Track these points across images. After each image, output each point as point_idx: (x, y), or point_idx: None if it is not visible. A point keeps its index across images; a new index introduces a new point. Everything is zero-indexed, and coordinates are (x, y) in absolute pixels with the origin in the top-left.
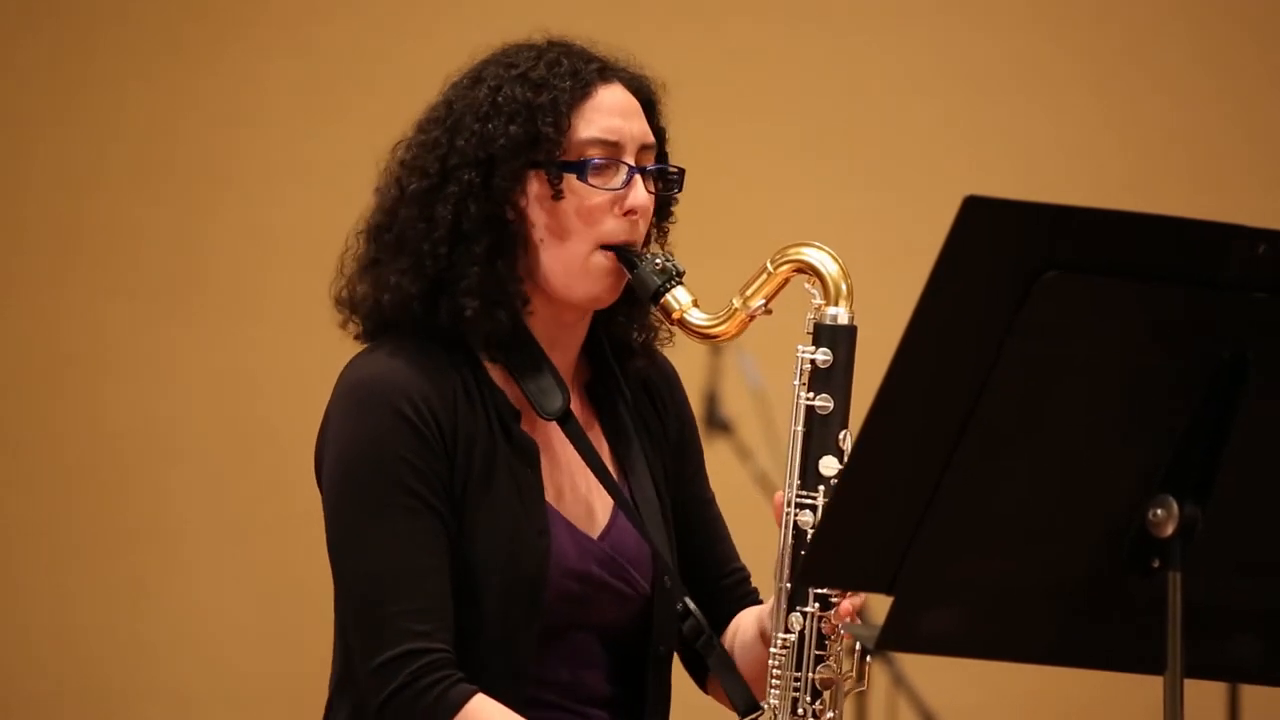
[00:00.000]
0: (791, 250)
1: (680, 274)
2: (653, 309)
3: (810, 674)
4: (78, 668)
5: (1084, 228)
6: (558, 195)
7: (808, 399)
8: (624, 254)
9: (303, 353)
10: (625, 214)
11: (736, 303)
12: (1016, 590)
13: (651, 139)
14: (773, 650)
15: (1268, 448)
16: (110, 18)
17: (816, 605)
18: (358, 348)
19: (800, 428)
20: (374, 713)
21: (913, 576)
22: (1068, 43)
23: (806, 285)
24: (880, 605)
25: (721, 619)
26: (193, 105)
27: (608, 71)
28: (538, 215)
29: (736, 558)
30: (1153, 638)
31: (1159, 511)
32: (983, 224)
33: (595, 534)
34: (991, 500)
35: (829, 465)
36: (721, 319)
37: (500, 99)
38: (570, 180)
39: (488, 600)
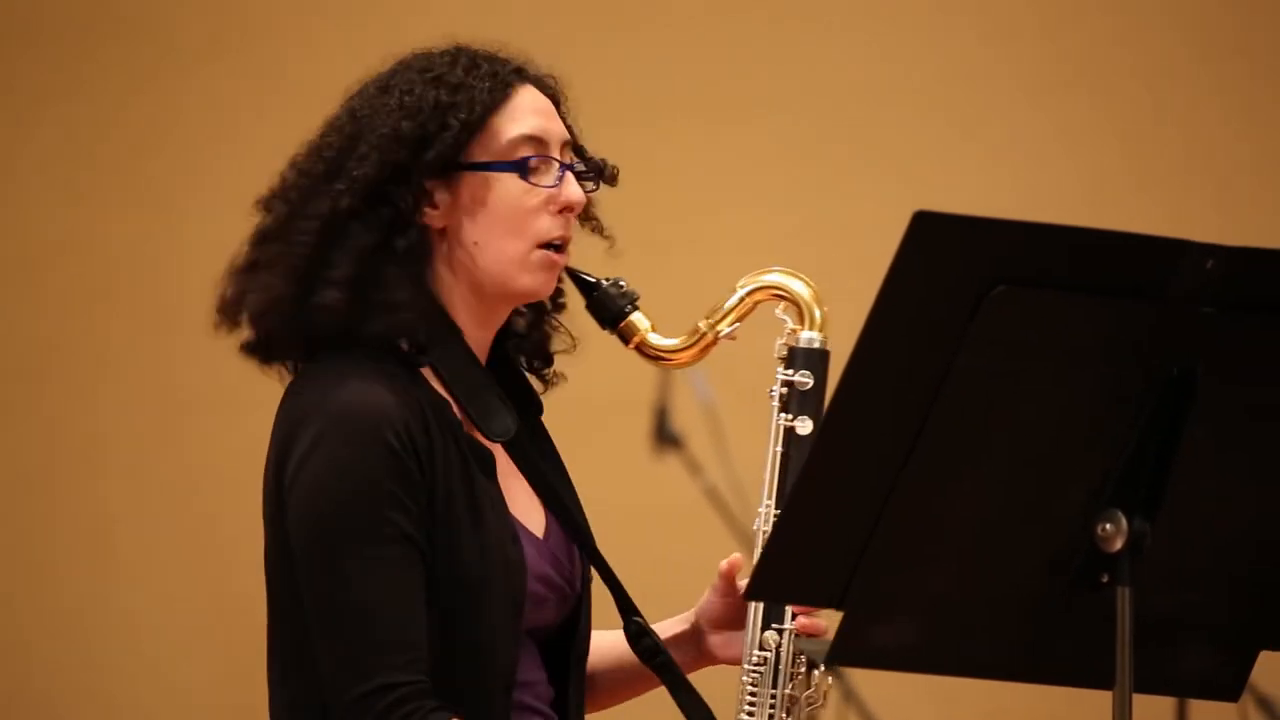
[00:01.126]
0: (764, 275)
1: (637, 297)
2: (610, 332)
3: (787, 690)
4: (19, 683)
5: (1033, 242)
6: (474, 195)
7: (787, 421)
8: (580, 277)
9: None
10: (560, 211)
11: (703, 326)
12: (966, 605)
13: (568, 135)
14: (746, 667)
15: (1216, 462)
16: (86, 33)
17: (793, 622)
18: None
19: (779, 448)
20: None
21: (863, 591)
22: (1018, 60)
23: (777, 311)
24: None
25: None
26: (166, 121)
27: (523, 72)
28: (467, 219)
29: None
30: (1102, 652)
31: (1108, 526)
32: (932, 239)
33: (541, 536)
34: (941, 515)
35: None
36: (687, 343)
37: (408, 100)
38: (509, 180)
39: (481, 613)
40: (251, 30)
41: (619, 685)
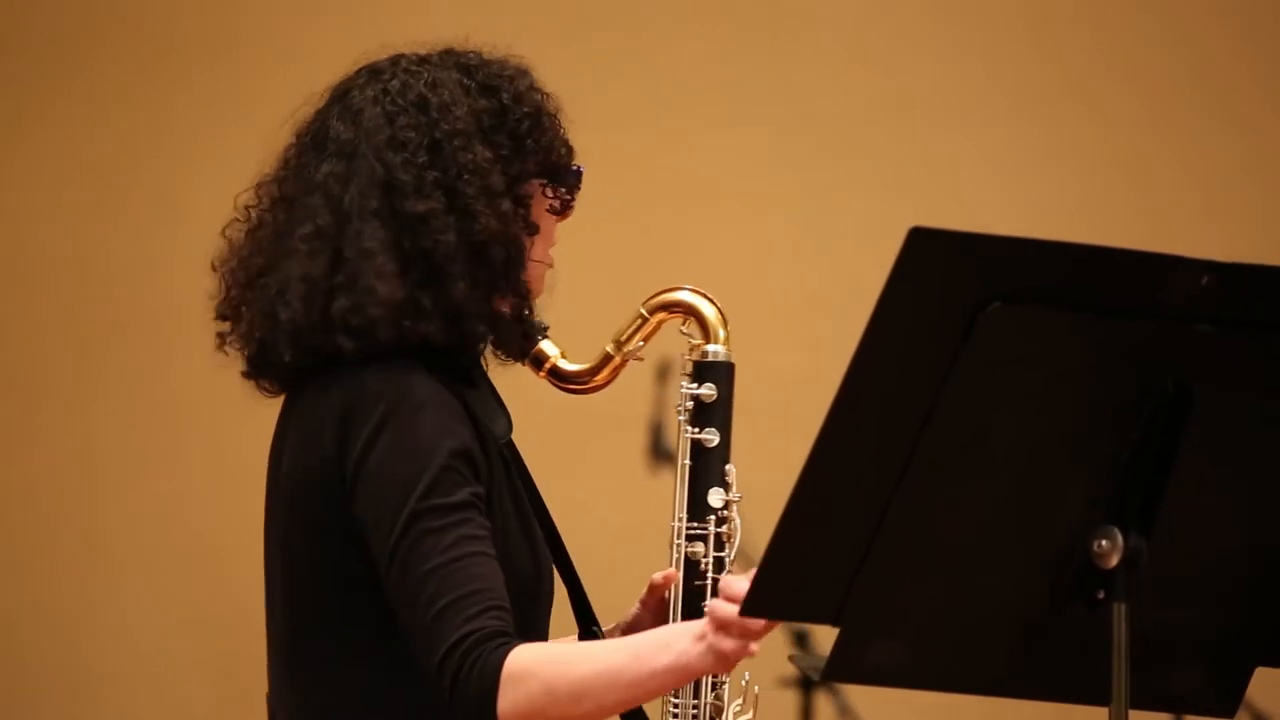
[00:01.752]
0: (666, 294)
1: (545, 327)
2: (522, 361)
3: (709, 699)
4: (15, 696)
5: (1029, 259)
6: (569, 205)
7: (694, 433)
8: None
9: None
10: (564, 217)
11: (610, 349)
12: (962, 621)
13: None
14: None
15: (1211, 479)
16: (77, 49)
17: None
18: None
19: (688, 461)
20: (452, 716)
21: (858, 608)
22: (1013, 75)
23: (681, 328)
24: (826, 636)
25: None
26: (159, 133)
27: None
28: (541, 227)
29: None
30: (1098, 668)
31: (1103, 543)
32: (928, 255)
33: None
34: (937, 531)
35: (716, 497)
36: (596, 367)
37: (524, 110)
38: (565, 187)
39: (537, 612)
40: (248, 37)
41: None
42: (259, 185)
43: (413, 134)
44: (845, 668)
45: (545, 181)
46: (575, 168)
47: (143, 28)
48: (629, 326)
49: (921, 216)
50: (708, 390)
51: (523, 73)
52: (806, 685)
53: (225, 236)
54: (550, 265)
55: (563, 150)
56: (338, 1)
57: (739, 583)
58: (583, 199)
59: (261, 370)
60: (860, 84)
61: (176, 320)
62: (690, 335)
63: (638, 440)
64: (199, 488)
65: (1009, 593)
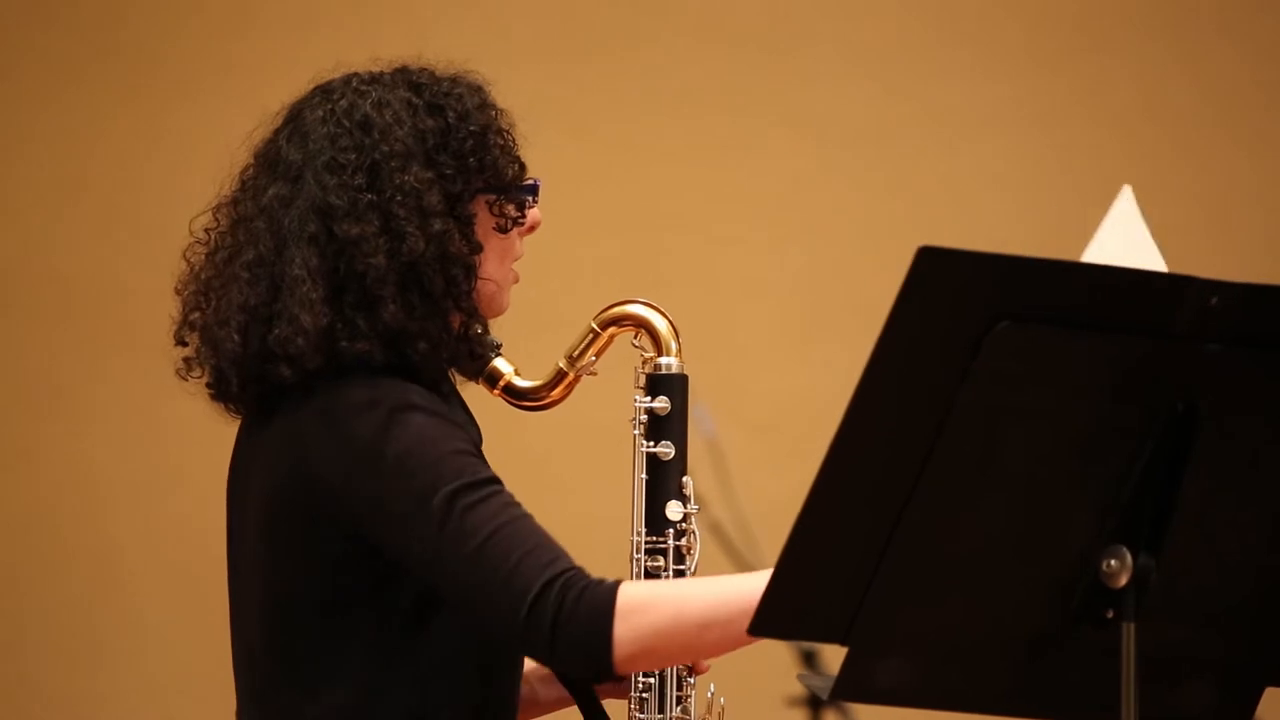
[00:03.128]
0: (616, 309)
1: (498, 345)
2: (476, 379)
3: (672, 714)
4: (28, 716)
5: (1037, 278)
6: (518, 221)
7: (649, 447)
8: None
9: None
10: (529, 231)
11: (563, 364)
12: (971, 640)
13: None
14: (632, 694)
15: (1220, 498)
16: (75, 65)
17: None
18: None
19: (645, 475)
20: (550, 661)
21: (867, 627)
22: (1017, 93)
23: (633, 342)
24: (834, 656)
25: None
26: (159, 152)
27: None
28: (488, 243)
29: None
30: (1107, 688)
31: (1112, 562)
32: (937, 274)
33: None
34: (945, 550)
35: (674, 510)
36: (550, 383)
37: (470, 128)
38: (514, 204)
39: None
40: (249, 46)
41: (526, 704)
42: (217, 207)
43: (353, 155)
44: (854, 687)
45: (494, 199)
46: (528, 183)
47: (142, 38)
48: (580, 341)
49: (930, 234)
50: (661, 403)
51: (474, 89)
52: (814, 705)
53: (186, 259)
54: (514, 281)
55: (512, 167)
56: (337, 11)
57: None
58: (588, 216)
59: (220, 395)
60: (867, 100)
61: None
62: (643, 348)
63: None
64: (207, 505)
65: (1018, 612)
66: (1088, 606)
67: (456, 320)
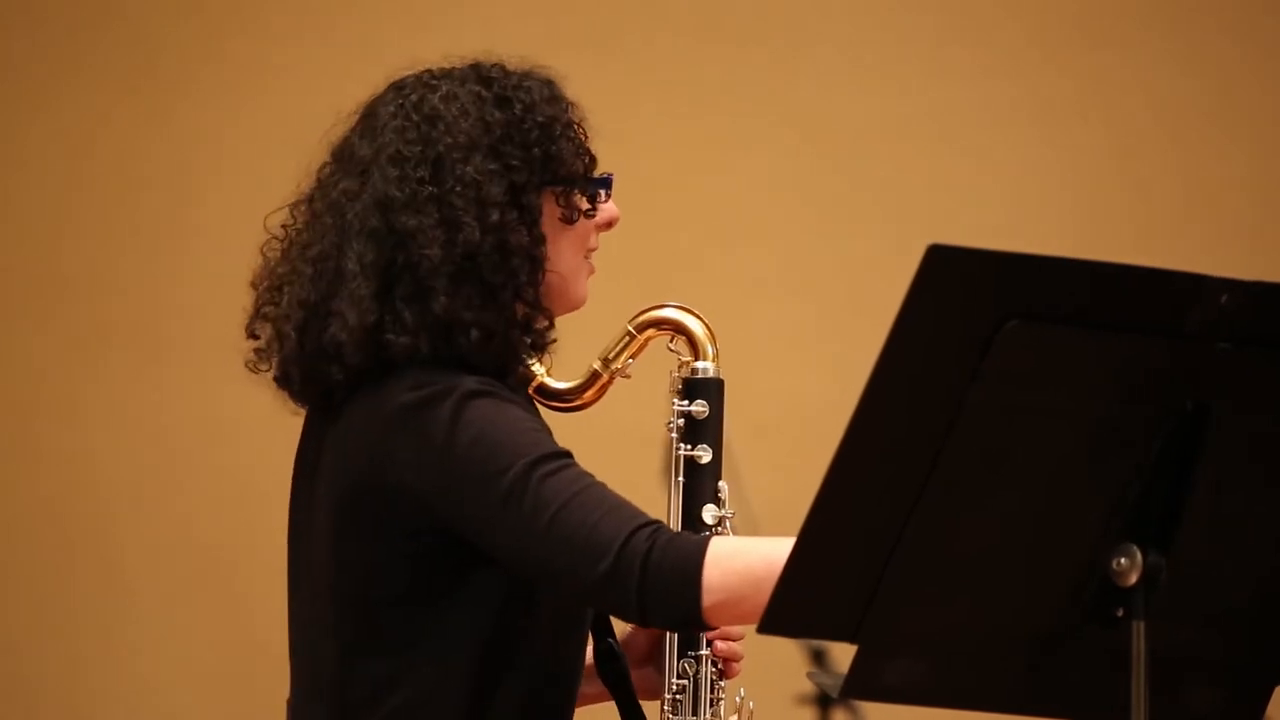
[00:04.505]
0: (653, 312)
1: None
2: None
3: (705, 716)
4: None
5: (1047, 277)
6: (587, 214)
7: (687, 451)
8: None
9: (274, 401)
10: (606, 227)
11: (598, 366)
12: (980, 639)
13: None
14: (666, 696)
15: (1230, 497)
16: (73, 66)
17: (708, 649)
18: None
19: (681, 479)
20: (637, 608)
21: (876, 625)
22: (1024, 93)
23: (669, 346)
24: (844, 654)
25: None
26: (148, 156)
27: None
28: (556, 235)
29: None
30: (1117, 687)
31: (1122, 560)
32: (946, 273)
33: None
34: (955, 549)
35: (710, 513)
36: (583, 384)
37: (538, 120)
38: (583, 197)
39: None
40: (251, 53)
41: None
42: (294, 204)
43: (417, 148)
44: (863, 685)
45: (560, 190)
46: (600, 176)
47: (142, 33)
48: (616, 344)
49: (934, 235)
50: (699, 407)
51: (545, 83)
52: (824, 703)
53: (263, 254)
54: (589, 273)
55: (581, 160)
56: (338, 9)
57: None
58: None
59: (285, 387)
60: (871, 99)
61: (185, 335)
62: (679, 352)
63: (653, 457)
64: (210, 505)
65: (1027, 611)
66: (1097, 605)
67: (520, 311)
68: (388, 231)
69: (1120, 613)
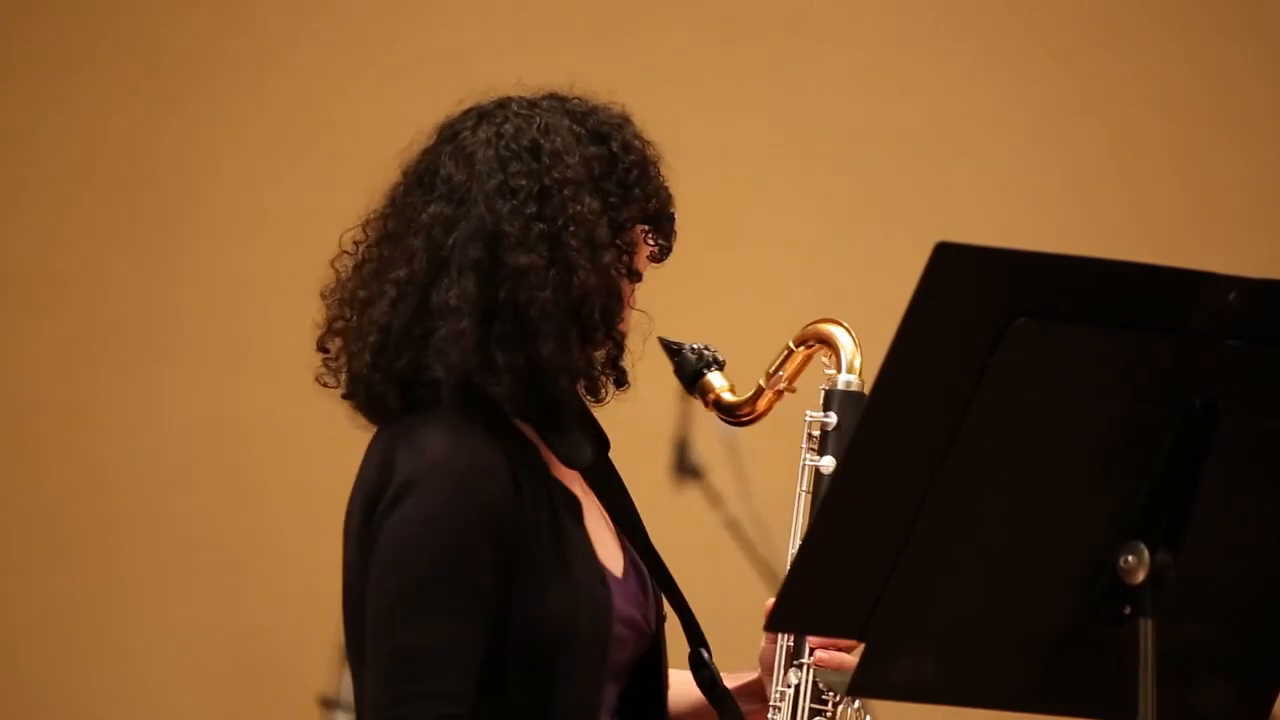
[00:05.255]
0: (811, 328)
1: (720, 361)
2: (691, 392)
3: None
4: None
5: (1055, 274)
6: (664, 253)
7: (814, 461)
8: (665, 342)
9: (276, 400)
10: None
11: (763, 383)
12: (988, 636)
13: None
14: (772, 704)
15: (1238, 494)
16: (75, 67)
17: (812, 657)
18: (327, 393)
19: (806, 489)
20: None
21: (884, 622)
22: (1030, 94)
23: (822, 358)
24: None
25: None
26: (159, 152)
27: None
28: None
29: None
30: (1125, 684)
31: (1130, 558)
32: (954, 270)
33: (621, 576)
34: (963, 546)
35: None
36: (751, 399)
37: (632, 158)
38: (664, 234)
39: (569, 659)
40: (251, 55)
41: None
42: (366, 222)
43: (524, 181)
44: (871, 682)
45: (648, 229)
46: (671, 213)
47: (145, 33)
48: (777, 360)
49: (942, 232)
50: (830, 418)
51: (627, 120)
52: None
53: (334, 269)
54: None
55: (665, 197)
56: (341, 8)
57: None
58: None
59: (353, 403)
60: (877, 102)
61: (189, 335)
62: (827, 364)
63: (663, 456)
64: (214, 504)
65: (1035, 608)
66: (1105, 603)
67: (601, 350)
68: (494, 265)
69: (1128, 610)
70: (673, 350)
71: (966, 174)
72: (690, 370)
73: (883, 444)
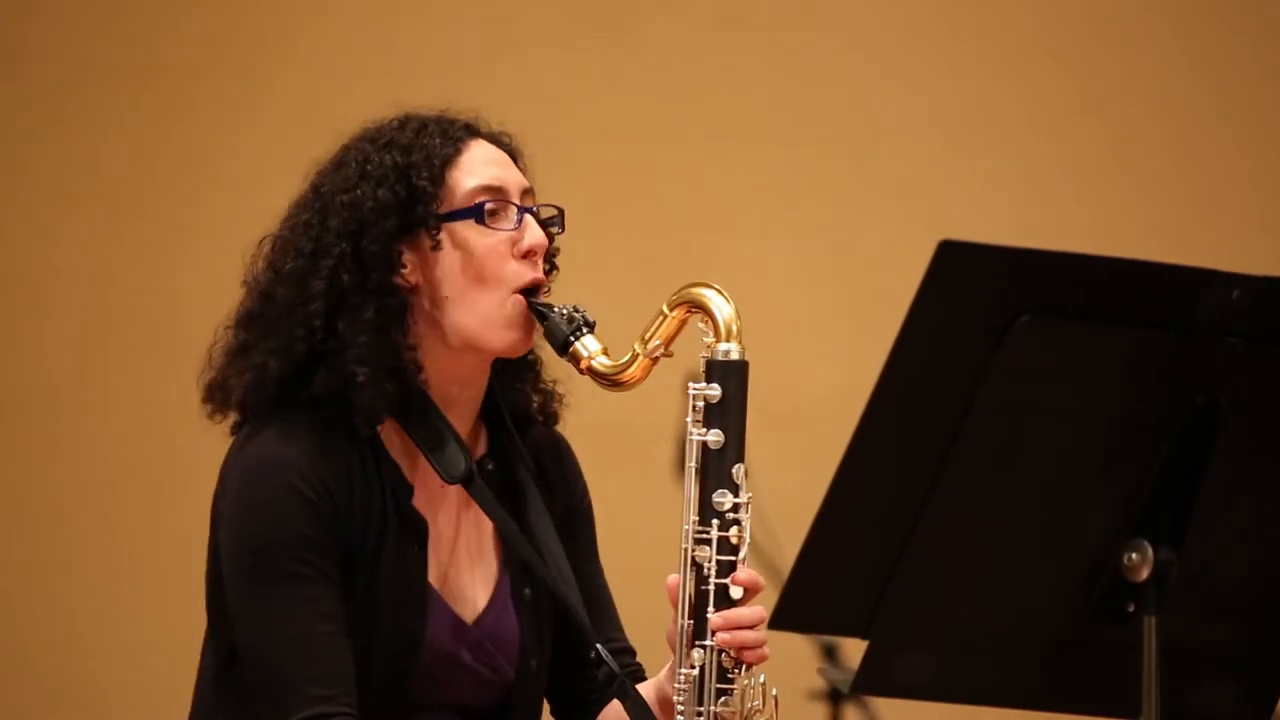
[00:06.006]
0: (684, 291)
1: (589, 323)
2: (563, 357)
3: (712, 707)
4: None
5: (1058, 272)
6: (436, 246)
7: (700, 434)
8: (535, 305)
9: None
10: (524, 255)
11: (637, 347)
12: (991, 634)
13: (528, 183)
14: (677, 686)
15: (1241, 492)
16: (80, 65)
17: (713, 639)
18: None
19: (694, 464)
20: None
21: (887, 620)
22: (1032, 92)
23: (699, 324)
24: (855, 649)
25: (586, 692)
26: (166, 152)
27: (472, 128)
28: (438, 273)
29: (619, 631)
30: (1128, 681)
31: (1133, 556)
32: (958, 268)
33: (470, 617)
34: (966, 544)
35: (723, 498)
36: (625, 365)
37: (369, 168)
38: (467, 228)
39: (361, 676)
40: (253, 53)
41: None
42: None
43: None
44: (874, 681)
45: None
46: None
47: (148, 41)
48: (651, 324)
49: (944, 231)
50: (713, 390)
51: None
52: (835, 698)
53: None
54: (506, 301)
55: None
56: (344, 8)
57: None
58: (611, 213)
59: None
60: (883, 100)
61: (192, 332)
62: (707, 333)
63: (665, 453)
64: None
65: (1038, 605)
66: (1108, 601)
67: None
68: None
69: (1131, 608)
70: (541, 314)
71: (969, 172)
72: (563, 334)
73: (886, 441)
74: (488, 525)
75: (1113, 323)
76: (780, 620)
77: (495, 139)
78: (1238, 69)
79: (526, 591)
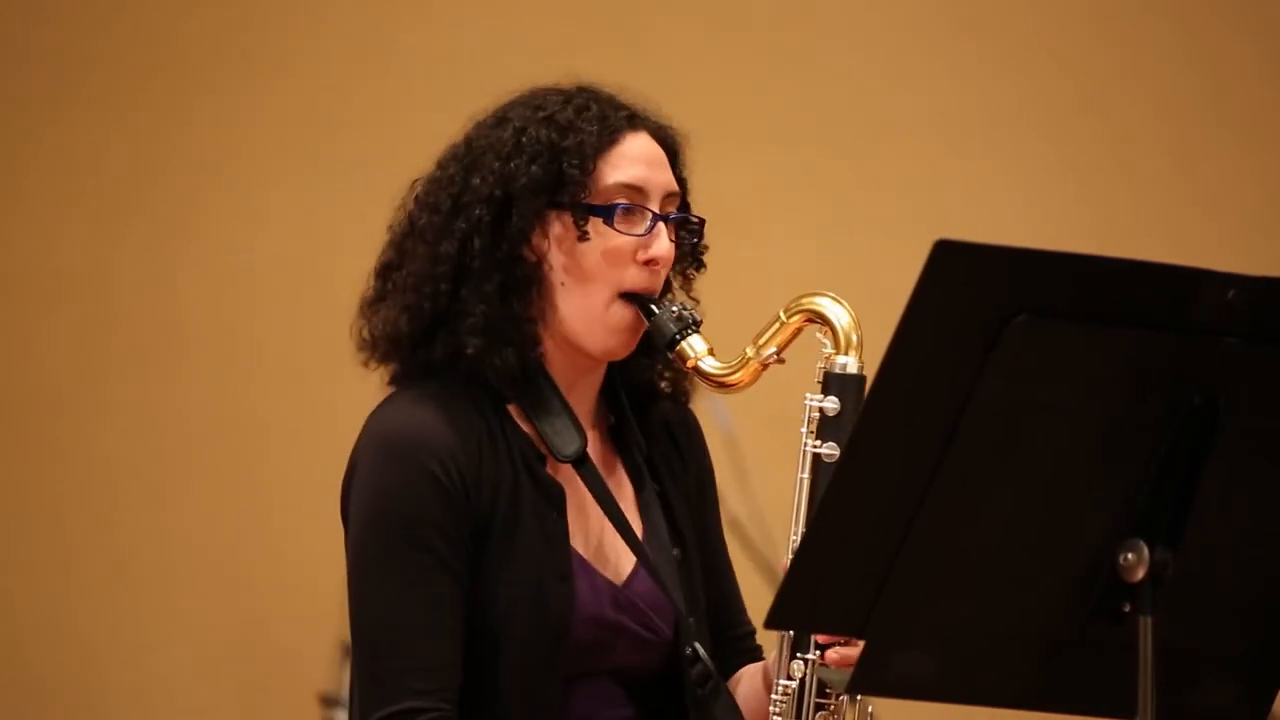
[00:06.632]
0: (805, 300)
1: (697, 322)
2: (669, 356)
3: None
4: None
5: (1054, 271)
6: (583, 237)
7: (814, 446)
8: (642, 300)
9: (278, 398)
10: (647, 263)
11: (750, 351)
12: (988, 633)
13: (676, 188)
14: (774, 697)
15: (1238, 492)
16: (82, 64)
17: (818, 653)
18: (330, 389)
19: (806, 475)
20: None
21: (884, 619)
22: (1031, 92)
23: (818, 334)
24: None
25: (724, 673)
26: (167, 151)
27: (636, 120)
28: (558, 257)
29: (744, 613)
30: (1125, 681)
31: (1130, 555)
32: (954, 268)
33: (620, 579)
34: (963, 543)
35: None
36: (735, 368)
37: (524, 139)
38: (595, 224)
39: (511, 647)
40: (253, 53)
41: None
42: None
43: None
44: (870, 680)
45: None
46: None
47: (149, 40)
48: (766, 329)
49: (944, 231)
50: (831, 404)
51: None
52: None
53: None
54: (612, 304)
55: None
56: (344, 13)
57: None
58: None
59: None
60: (883, 100)
61: (195, 332)
62: (825, 343)
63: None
64: (216, 503)
65: (1035, 605)
66: (1105, 601)
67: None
68: None
69: (1127, 608)
70: (649, 311)
71: (969, 171)
72: (670, 332)
73: (883, 440)
74: (628, 488)
75: (1110, 323)
76: (778, 619)
77: (658, 133)
78: (1238, 69)
79: (675, 551)
